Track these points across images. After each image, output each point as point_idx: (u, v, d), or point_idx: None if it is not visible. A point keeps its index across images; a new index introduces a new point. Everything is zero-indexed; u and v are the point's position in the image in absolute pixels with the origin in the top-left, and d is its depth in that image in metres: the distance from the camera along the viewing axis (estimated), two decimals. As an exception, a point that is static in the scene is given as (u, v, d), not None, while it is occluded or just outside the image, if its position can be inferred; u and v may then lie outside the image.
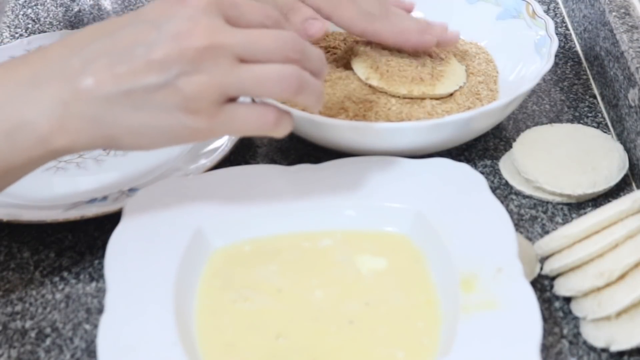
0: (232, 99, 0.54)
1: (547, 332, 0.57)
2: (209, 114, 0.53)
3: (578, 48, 0.85)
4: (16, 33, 0.90)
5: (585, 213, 0.66)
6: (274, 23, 0.55)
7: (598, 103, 0.78)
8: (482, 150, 0.72)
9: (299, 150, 0.73)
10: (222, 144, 0.70)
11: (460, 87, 0.72)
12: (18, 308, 0.61)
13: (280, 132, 0.56)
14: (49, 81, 0.52)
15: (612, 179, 0.67)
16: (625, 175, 0.68)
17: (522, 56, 0.74)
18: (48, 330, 0.59)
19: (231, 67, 0.52)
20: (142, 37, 0.52)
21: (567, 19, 0.89)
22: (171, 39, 0.51)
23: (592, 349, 0.57)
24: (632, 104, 0.69)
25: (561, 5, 0.91)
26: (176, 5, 0.53)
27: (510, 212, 0.66)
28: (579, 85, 0.80)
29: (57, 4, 0.95)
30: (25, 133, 0.52)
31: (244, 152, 0.73)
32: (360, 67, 0.71)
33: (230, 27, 0.53)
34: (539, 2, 0.79)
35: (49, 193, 0.69)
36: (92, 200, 0.67)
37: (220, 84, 0.52)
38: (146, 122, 0.53)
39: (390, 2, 0.72)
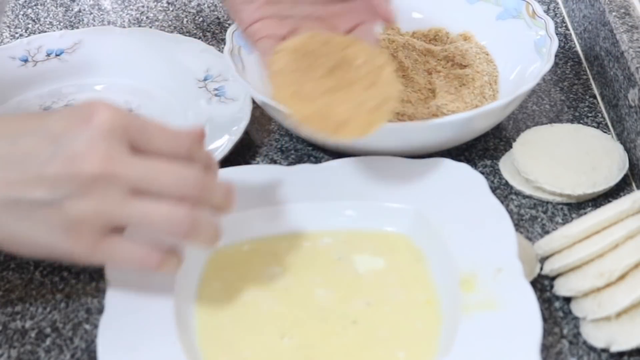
0: (121, 229, 0.53)
1: (547, 332, 0.57)
2: (90, 240, 0.51)
3: (578, 48, 0.85)
4: (16, 33, 0.90)
5: (585, 213, 0.66)
6: (185, 152, 0.53)
7: (598, 103, 0.78)
8: (482, 150, 0.72)
9: (299, 150, 0.73)
10: (222, 144, 0.70)
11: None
12: (18, 308, 0.61)
13: (166, 271, 0.54)
14: None
15: (612, 179, 0.67)
16: (625, 175, 0.68)
17: (522, 56, 0.74)
18: (48, 330, 0.59)
19: (121, 199, 0.51)
20: (40, 148, 0.51)
21: (567, 19, 0.89)
22: (65, 159, 0.50)
23: (592, 349, 0.57)
24: (632, 104, 0.69)
25: (561, 5, 0.91)
26: (82, 123, 0.51)
27: (510, 212, 0.66)
28: (579, 85, 0.80)
29: (57, 4, 0.95)
30: None
31: (244, 152, 0.73)
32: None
33: (130, 156, 0.51)
34: (539, 2, 0.79)
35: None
36: (92, 200, 0.67)
37: (106, 214, 0.51)
38: (28, 233, 0.52)
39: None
